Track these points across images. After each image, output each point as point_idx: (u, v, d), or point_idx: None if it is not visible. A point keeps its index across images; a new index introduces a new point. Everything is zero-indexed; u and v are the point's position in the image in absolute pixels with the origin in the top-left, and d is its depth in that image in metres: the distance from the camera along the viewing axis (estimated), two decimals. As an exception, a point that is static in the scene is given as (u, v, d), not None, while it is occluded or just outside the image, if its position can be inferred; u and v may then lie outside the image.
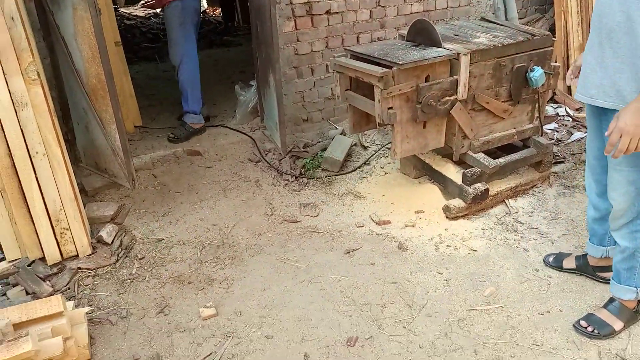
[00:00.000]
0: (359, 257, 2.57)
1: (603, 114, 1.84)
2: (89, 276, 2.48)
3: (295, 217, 2.94)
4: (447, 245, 2.61)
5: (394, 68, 2.46)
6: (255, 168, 3.49)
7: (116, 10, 8.17)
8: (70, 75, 2.80)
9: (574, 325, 2.07)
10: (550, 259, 2.43)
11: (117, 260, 2.58)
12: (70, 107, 3.01)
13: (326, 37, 3.68)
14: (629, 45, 1.66)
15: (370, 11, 3.79)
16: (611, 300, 2.08)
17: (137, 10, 9.11)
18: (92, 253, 2.59)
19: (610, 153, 1.67)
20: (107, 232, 2.66)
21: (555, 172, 3.17)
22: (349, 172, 3.36)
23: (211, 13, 9.57)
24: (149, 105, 4.54)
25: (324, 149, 3.49)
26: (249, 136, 3.78)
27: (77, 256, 2.57)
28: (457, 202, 2.81)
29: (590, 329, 2.03)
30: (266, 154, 3.59)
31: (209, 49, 6.96)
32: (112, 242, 2.65)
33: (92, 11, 2.44)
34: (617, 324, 2.01)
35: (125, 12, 8.43)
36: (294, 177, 3.33)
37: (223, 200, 3.14)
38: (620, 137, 1.60)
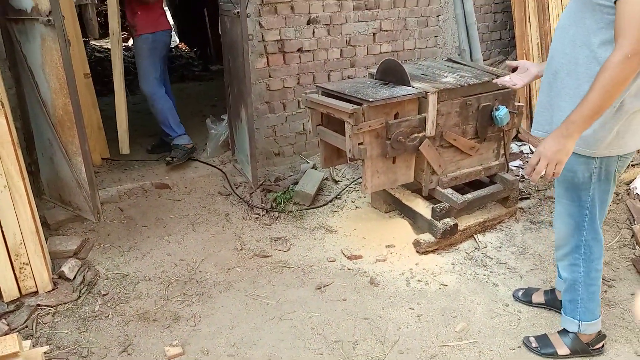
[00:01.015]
0: (331, 292, 2.54)
1: None
2: (48, 313, 2.36)
3: (266, 252, 2.90)
4: (418, 280, 2.61)
5: (364, 105, 2.51)
6: (226, 202, 3.45)
7: (87, 42, 8.14)
8: (36, 106, 2.74)
9: (523, 340, 2.17)
10: (520, 294, 2.45)
11: (79, 297, 2.48)
12: (35, 138, 2.93)
13: (298, 74, 3.74)
14: (571, 86, 1.73)
15: (341, 50, 3.88)
16: (565, 331, 2.12)
17: (109, 43, 9.09)
18: (53, 289, 2.48)
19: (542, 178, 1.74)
20: (69, 267, 2.55)
21: (521, 208, 3.24)
22: (320, 206, 3.35)
23: (183, 48, 9.63)
24: (117, 137, 4.46)
25: (296, 183, 3.49)
26: (219, 169, 3.75)
27: (36, 292, 2.46)
28: (427, 237, 2.83)
29: (534, 345, 2.12)
30: (237, 188, 3.56)
31: (180, 82, 6.97)
32: (75, 277, 2.55)
33: (62, 43, 2.42)
34: (562, 349, 2.07)
35: (97, 45, 8.40)
36: (265, 210, 3.30)
37: (191, 235, 3.08)
38: (539, 160, 1.66)
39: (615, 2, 1.53)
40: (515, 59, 4.56)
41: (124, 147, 3.59)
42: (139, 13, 3.60)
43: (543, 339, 2.13)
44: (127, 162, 3.84)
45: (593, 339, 2.07)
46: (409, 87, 2.71)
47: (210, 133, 3.98)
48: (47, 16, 2.40)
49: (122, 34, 10.25)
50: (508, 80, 2.12)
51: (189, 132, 4.62)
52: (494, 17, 4.79)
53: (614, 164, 1.79)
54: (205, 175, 3.68)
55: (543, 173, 1.67)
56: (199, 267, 2.77)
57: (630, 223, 2.91)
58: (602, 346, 2.09)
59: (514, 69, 2.17)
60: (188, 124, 4.91)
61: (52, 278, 2.49)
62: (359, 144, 2.58)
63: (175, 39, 10.36)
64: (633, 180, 3.15)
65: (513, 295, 2.47)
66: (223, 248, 2.95)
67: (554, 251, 2.68)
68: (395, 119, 2.64)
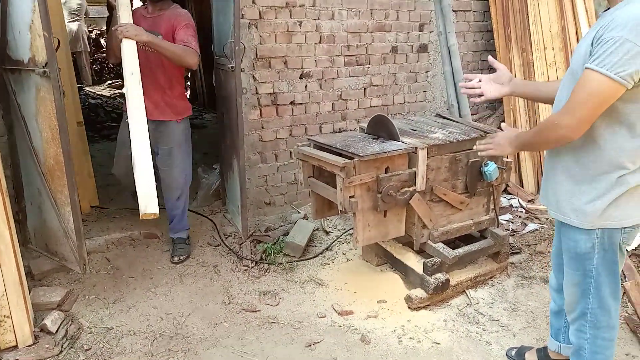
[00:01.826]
0: (321, 350, 2.47)
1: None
2: (26, 371, 2.27)
3: (254, 306, 2.84)
4: (410, 338, 2.56)
5: (356, 159, 2.53)
6: (215, 252, 3.40)
7: (81, 89, 8.24)
8: (28, 154, 2.73)
9: None
10: (513, 353, 2.41)
11: (61, 352, 2.38)
12: (24, 186, 2.91)
13: (290, 125, 3.79)
14: (561, 160, 1.79)
15: (333, 103, 3.96)
16: None
17: (102, 90, 9.20)
18: (34, 343, 2.39)
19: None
20: (52, 320, 2.47)
21: (513, 263, 3.23)
22: (311, 258, 3.32)
23: (177, 95, 9.75)
24: (108, 185, 4.44)
25: (286, 234, 3.46)
26: (209, 219, 3.72)
27: (16, 346, 2.36)
28: (419, 293, 2.79)
29: None
30: (226, 238, 3.52)
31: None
32: (57, 331, 2.46)
33: (56, 94, 2.43)
34: None
35: (91, 91, 8.49)
36: (254, 262, 3.26)
37: (179, 287, 3.02)
38: (488, 142, 1.97)
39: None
40: (502, 114, 4.68)
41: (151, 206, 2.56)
42: (178, 88, 3.08)
43: None
44: (116, 211, 3.80)
45: None
46: (399, 142, 2.75)
47: (201, 182, 3.98)
48: (43, 67, 2.43)
49: (116, 81, 10.40)
50: (475, 84, 2.10)
51: (179, 181, 4.62)
52: (481, 73, 4.93)
53: (618, 235, 1.75)
54: (194, 225, 3.64)
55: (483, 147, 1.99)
56: (186, 322, 2.70)
57: (622, 280, 2.90)
58: None
59: (494, 70, 2.10)
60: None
61: (34, 331, 2.40)
62: (350, 197, 2.59)
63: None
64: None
65: (506, 354, 2.42)
66: (211, 301, 2.88)
67: (548, 309, 2.68)
68: (385, 173, 2.66)
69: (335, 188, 2.64)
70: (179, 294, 2.95)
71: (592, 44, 1.57)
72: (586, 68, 1.55)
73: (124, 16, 2.65)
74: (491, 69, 2.15)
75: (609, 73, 1.49)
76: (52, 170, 2.61)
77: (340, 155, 2.63)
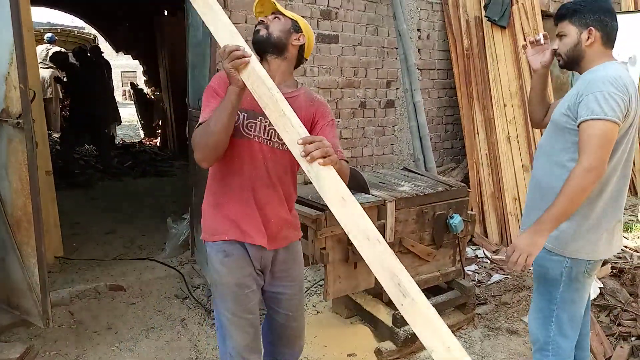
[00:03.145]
0: (289, 406, 2.42)
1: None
2: None
3: (223, 361, 2.78)
4: (380, 392, 2.55)
5: (327, 211, 2.59)
6: (182, 305, 3.34)
7: (49, 135, 8.14)
8: (-6, 205, 2.69)
9: None
10: None
11: (15, 414, 2.28)
12: (-13, 237, 2.83)
13: (262, 176, 3.84)
14: (548, 192, 1.95)
15: (304, 155, 4.05)
16: None
17: (70, 137, 9.11)
18: (-14, 405, 2.27)
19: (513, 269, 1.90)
20: (8, 380, 2.37)
21: (479, 314, 3.29)
22: (280, 311, 3.29)
23: (147, 143, 9.76)
24: (73, 234, 4.37)
25: (256, 286, 3.44)
26: (177, 270, 3.68)
27: (-33, 410, 2.25)
28: (388, 345, 2.80)
29: None
30: (194, 290, 3.48)
31: (142, 177, 6.99)
32: (13, 392, 2.36)
33: (29, 145, 2.44)
34: None
35: (58, 139, 8.39)
36: (223, 315, 3.21)
37: (144, 342, 2.94)
38: (514, 252, 1.86)
39: (578, 126, 1.83)
40: (466, 167, 4.87)
41: None
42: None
43: None
44: (81, 262, 3.72)
45: None
46: (368, 195, 2.83)
47: (170, 232, 3.95)
48: (17, 119, 2.44)
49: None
50: (538, 39, 2.17)
51: (147, 230, 4.58)
52: (445, 127, 5.17)
53: (583, 266, 1.96)
54: (162, 277, 3.59)
55: (516, 263, 1.86)
56: (151, 378, 2.62)
57: (583, 330, 2.99)
58: None
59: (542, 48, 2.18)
60: (147, 221, 4.88)
61: (-12, 392, 2.30)
62: (321, 248, 2.63)
63: (140, 134, 10.53)
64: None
65: None
66: (177, 357, 2.81)
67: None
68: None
69: (307, 239, 2.68)
70: (144, 349, 2.87)
71: (570, 104, 1.89)
72: (584, 121, 1.81)
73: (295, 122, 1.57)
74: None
75: (606, 117, 1.77)
76: (20, 221, 2.57)
77: (311, 207, 2.69)
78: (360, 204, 2.63)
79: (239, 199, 1.83)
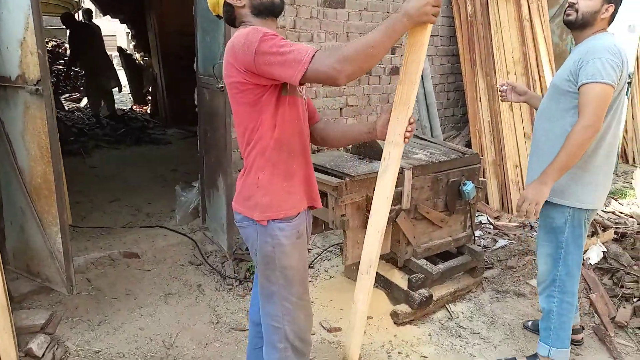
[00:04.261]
0: (314, 366, 2.52)
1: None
2: (13, 398, 2.19)
3: (243, 325, 2.85)
4: (399, 352, 2.65)
5: (347, 179, 2.63)
6: (197, 272, 3.39)
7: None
8: (11, 173, 2.65)
9: None
10: None
11: (48, 378, 2.32)
12: (4, 205, 2.81)
13: (271, 144, 3.83)
14: (548, 150, 2.22)
15: (312, 122, 4.05)
16: (535, 355, 2.49)
17: (67, 103, 8.91)
18: (19, 369, 2.31)
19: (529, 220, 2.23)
20: (37, 344, 2.40)
21: (486, 278, 3.40)
22: (293, 276, 3.36)
23: (138, 110, 9.59)
24: (77, 203, 4.34)
25: (268, 253, 3.49)
26: (189, 238, 3.70)
27: (0, 374, 2.28)
28: (404, 308, 2.89)
29: None
30: (208, 257, 3.52)
31: (137, 146, 6.91)
32: (43, 355, 2.39)
33: (48, 112, 2.40)
34: None
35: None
36: (238, 281, 3.27)
37: (164, 307, 2.99)
38: (524, 201, 2.14)
39: (578, 89, 2.08)
40: (468, 134, 4.92)
41: None
42: None
43: None
44: (91, 230, 3.72)
45: None
46: (386, 163, 2.86)
47: (180, 200, 3.95)
48: (35, 85, 2.39)
49: (73, 94, 10.11)
50: (504, 89, 2.62)
51: (152, 198, 4.57)
52: (447, 95, 5.19)
53: (584, 215, 2.26)
54: (175, 244, 3.61)
55: (526, 211, 2.13)
56: (175, 342, 2.67)
57: (587, 292, 3.12)
58: None
59: (513, 87, 2.62)
60: (151, 189, 4.87)
61: (19, 356, 2.32)
62: (341, 215, 2.67)
63: (130, 101, 10.33)
64: (586, 250, 3.41)
65: None
66: (198, 321, 2.87)
67: (523, 321, 2.85)
68: (374, 192, 2.76)
69: (326, 206, 2.71)
70: (165, 314, 2.92)
71: (572, 70, 2.12)
72: (585, 84, 2.04)
73: None
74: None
75: (603, 80, 2.01)
76: (39, 189, 2.55)
77: (330, 174, 2.71)
78: (378, 172, 2.69)
79: (305, 162, 1.79)
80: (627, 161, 6.38)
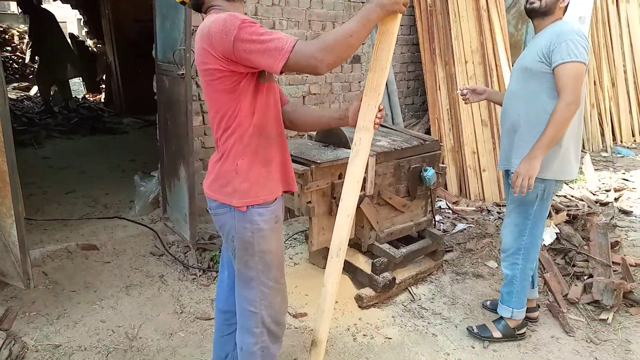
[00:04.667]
0: (281, 353, 2.51)
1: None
2: (-32, 397, 2.10)
3: (208, 314, 2.83)
4: (364, 335, 2.70)
5: (312, 166, 2.64)
6: (159, 262, 3.33)
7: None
8: (-40, 163, 2.52)
9: (467, 328, 2.74)
10: (488, 304, 2.98)
11: (4, 375, 2.24)
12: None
13: (233, 132, 3.80)
14: (528, 131, 2.36)
15: (275, 110, 4.03)
16: (500, 318, 2.70)
17: (9, 93, 8.49)
18: (-28, 368, 2.22)
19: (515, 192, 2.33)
20: (-7, 342, 2.31)
21: (446, 260, 3.50)
22: (258, 264, 3.35)
23: (91, 99, 9.26)
24: (31, 195, 4.19)
25: (232, 241, 3.47)
26: (150, 228, 3.63)
27: (-49, 373, 2.19)
28: (368, 292, 2.95)
29: (475, 330, 2.71)
30: (170, 247, 3.46)
31: (92, 135, 6.69)
32: (0, 351, 2.30)
33: (1, 100, 2.30)
34: (496, 333, 2.67)
35: None
36: (201, 270, 3.24)
37: (125, 299, 2.93)
38: (517, 177, 2.28)
39: (553, 70, 2.24)
40: (427, 122, 5.02)
41: None
42: None
43: (482, 327, 2.71)
44: (47, 222, 3.59)
45: (518, 325, 2.67)
46: (349, 150, 2.88)
47: (139, 190, 3.87)
48: (-16, 71, 2.28)
49: (22, 83, 9.67)
50: (465, 93, 2.76)
51: (110, 189, 4.45)
52: (407, 84, 5.27)
53: (553, 187, 2.44)
54: (135, 235, 3.54)
55: (520, 185, 2.28)
56: (138, 334, 2.63)
57: (542, 272, 3.26)
58: (524, 332, 2.70)
59: (473, 90, 2.77)
60: (108, 178, 4.74)
61: (-27, 355, 2.24)
62: (307, 202, 2.69)
63: (83, 89, 9.96)
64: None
65: (482, 305, 3.00)
66: (162, 312, 2.83)
67: (482, 301, 2.96)
68: (339, 179, 2.79)
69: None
70: (127, 306, 2.86)
71: (544, 53, 2.26)
72: (560, 64, 2.20)
73: None
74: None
75: (577, 59, 2.18)
76: (-9, 180, 2.44)
77: (296, 162, 2.71)
78: (344, 158, 2.72)
79: (281, 148, 1.80)
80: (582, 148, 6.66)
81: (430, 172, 3.12)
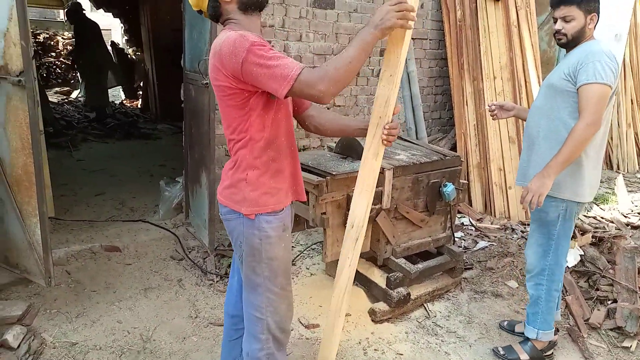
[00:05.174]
0: (290, 362, 2.54)
1: None
2: (-13, 388, 2.20)
3: (222, 320, 2.84)
4: (375, 349, 2.68)
5: (328, 177, 2.65)
6: (178, 266, 3.40)
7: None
8: (-9, 163, 2.65)
9: (492, 350, 2.70)
10: (505, 324, 2.93)
11: (23, 368, 2.33)
12: (-17, 196, 2.81)
13: (256, 141, 3.86)
14: (546, 147, 2.35)
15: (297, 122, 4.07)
16: (526, 339, 2.65)
17: (50, 96, 8.86)
18: (-7, 360, 2.31)
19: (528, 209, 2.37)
20: (13, 335, 2.40)
21: (465, 278, 3.44)
22: (275, 273, 3.38)
23: (128, 105, 9.56)
24: (62, 196, 4.34)
25: (250, 249, 3.51)
26: (172, 232, 3.71)
27: (-27, 364, 2.29)
28: (382, 306, 2.93)
29: (502, 352, 2.66)
30: (190, 252, 3.53)
31: (126, 140, 6.90)
32: (19, 346, 2.39)
33: (30, 103, 2.41)
34: (523, 355, 2.61)
35: (37, 97, 8.16)
36: (219, 277, 3.28)
37: (143, 301, 3.00)
38: (528, 193, 2.25)
39: (577, 90, 2.22)
40: (454, 137, 4.97)
41: None
42: None
43: (509, 349, 2.66)
44: (74, 222, 3.72)
45: (546, 347, 2.62)
46: (367, 163, 2.89)
47: (164, 195, 3.96)
48: (18, 76, 2.40)
49: (64, 88, 10.07)
50: (493, 109, 2.74)
51: (138, 192, 4.58)
52: (435, 98, 5.23)
53: (575, 208, 2.41)
54: (157, 239, 3.63)
55: (530, 201, 2.25)
56: (153, 336, 2.69)
57: (564, 294, 3.16)
58: (552, 353, 2.65)
59: (501, 106, 2.75)
60: (136, 183, 4.87)
61: (-6, 347, 2.33)
62: (322, 213, 2.70)
63: (121, 95, 10.29)
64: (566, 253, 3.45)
65: (499, 326, 2.93)
66: (177, 315, 2.89)
67: (499, 321, 2.90)
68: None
69: (307, 204, 2.74)
70: (144, 308, 2.93)
71: (570, 71, 2.25)
72: (585, 84, 2.18)
73: None
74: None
75: (603, 81, 2.15)
76: (20, 180, 2.55)
77: (311, 173, 2.74)
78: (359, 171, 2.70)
79: (292, 159, 1.85)
80: (611, 167, 6.47)
81: (449, 188, 3.09)
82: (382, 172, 2.84)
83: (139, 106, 9.36)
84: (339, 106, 4.36)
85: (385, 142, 1.83)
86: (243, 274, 1.86)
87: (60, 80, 10.01)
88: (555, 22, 2.36)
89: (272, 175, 1.77)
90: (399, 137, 3.67)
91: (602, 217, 4.52)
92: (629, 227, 4.34)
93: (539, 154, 2.40)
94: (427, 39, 4.93)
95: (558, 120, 2.33)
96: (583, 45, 2.31)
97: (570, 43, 2.33)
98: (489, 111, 2.78)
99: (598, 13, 2.32)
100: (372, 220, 2.88)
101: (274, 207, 1.77)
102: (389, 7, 1.57)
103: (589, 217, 4.54)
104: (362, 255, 3.18)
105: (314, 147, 4.17)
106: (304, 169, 2.78)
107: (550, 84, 2.40)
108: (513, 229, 4.21)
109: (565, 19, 2.30)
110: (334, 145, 3.14)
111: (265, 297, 1.84)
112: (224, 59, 1.59)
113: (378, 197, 2.86)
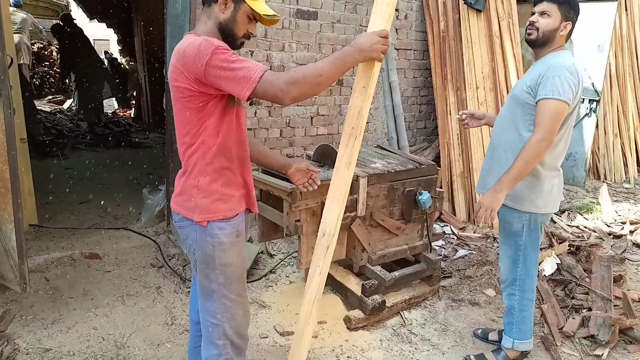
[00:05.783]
0: (262, 368, 2.55)
1: None
2: (-44, 393, 2.21)
3: (197, 327, 2.88)
4: (348, 357, 2.69)
5: (302, 185, 2.68)
6: (158, 274, 3.42)
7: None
8: (-32, 170, 2.68)
9: (464, 358, 2.70)
10: (479, 332, 2.93)
11: (-7, 374, 2.34)
12: (-40, 203, 2.83)
13: (238, 150, 3.90)
14: (504, 158, 2.38)
15: (281, 130, 4.12)
16: (499, 348, 2.68)
17: (42, 105, 8.92)
18: (-36, 366, 2.33)
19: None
20: (-15, 342, 2.42)
21: (444, 286, 3.46)
22: (254, 280, 3.40)
23: (121, 114, 9.62)
24: (47, 203, 4.36)
25: (230, 257, 3.53)
26: (153, 240, 3.74)
27: (-56, 370, 2.30)
28: (357, 314, 2.94)
29: None
30: (170, 259, 3.55)
31: (117, 148, 6.93)
32: (-10, 353, 2.41)
33: (6, 110, 2.45)
34: None
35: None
36: (198, 284, 3.30)
37: (120, 308, 3.01)
38: (480, 208, 2.26)
39: (536, 103, 2.21)
40: (437, 147, 5.01)
41: None
42: None
43: (481, 356, 2.68)
44: (56, 230, 3.74)
45: (518, 356, 2.63)
46: (343, 171, 2.92)
47: (146, 203, 3.99)
48: (-7, 85, 2.44)
49: (57, 96, 10.12)
50: (463, 118, 2.76)
51: (122, 201, 4.60)
52: (420, 108, 5.29)
53: (539, 218, 2.42)
54: (137, 246, 3.65)
55: (482, 217, 2.25)
56: (127, 343, 2.70)
57: (540, 302, 3.18)
58: None
59: (472, 115, 2.77)
60: (122, 191, 4.90)
61: (-35, 353, 2.34)
62: (295, 220, 2.73)
63: (114, 105, 10.35)
64: (541, 262, 3.48)
65: (474, 334, 2.94)
66: (153, 322, 2.90)
67: (474, 329, 2.92)
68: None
69: (282, 212, 2.77)
70: (120, 315, 2.94)
71: (532, 84, 2.24)
72: (542, 99, 2.17)
73: None
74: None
75: (560, 97, 2.14)
76: (-5, 187, 2.58)
77: (287, 180, 2.77)
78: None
79: (244, 169, 1.88)
80: (598, 177, 6.50)
81: (425, 196, 3.12)
82: (356, 179, 2.87)
83: (132, 115, 9.41)
84: (323, 115, 4.41)
85: (302, 187, 2.17)
86: (197, 281, 1.88)
87: (53, 90, 10.07)
88: (532, 16, 2.33)
89: (224, 183, 1.79)
90: (378, 146, 3.71)
91: (585, 227, 4.55)
92: (611, 236, 4.37)
93: (499, 164, 2.41)
94: (411, 49, 5.00)
95: (516, 131, 2.34)
96: (548, 57, 2.29)
97: (538, 40, 2.29)
98: (460, 120, 2.80)
99: (573, 25, 2.30)
100: (347, 227, 2.90)
101: (226, 213, 1.80)
102: (378, 38, 1.66)
103: (572, 226, 4.57)
104: (339, 263, 3.22)
105: (297, 156, 4.20)
106: (277, 176, 2.82)
107: (513, 95, 2.40)
108: (495, 238, 4.23)
109: (542, 14, 2.27)
110: (312, 153, 3.17)
111: (220, 304, 1.85)
112: (187, 61, 1.62)
113: (353, 205, 2.90)
